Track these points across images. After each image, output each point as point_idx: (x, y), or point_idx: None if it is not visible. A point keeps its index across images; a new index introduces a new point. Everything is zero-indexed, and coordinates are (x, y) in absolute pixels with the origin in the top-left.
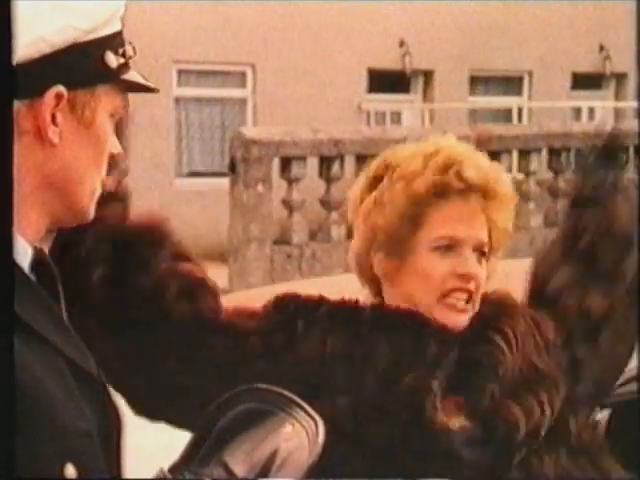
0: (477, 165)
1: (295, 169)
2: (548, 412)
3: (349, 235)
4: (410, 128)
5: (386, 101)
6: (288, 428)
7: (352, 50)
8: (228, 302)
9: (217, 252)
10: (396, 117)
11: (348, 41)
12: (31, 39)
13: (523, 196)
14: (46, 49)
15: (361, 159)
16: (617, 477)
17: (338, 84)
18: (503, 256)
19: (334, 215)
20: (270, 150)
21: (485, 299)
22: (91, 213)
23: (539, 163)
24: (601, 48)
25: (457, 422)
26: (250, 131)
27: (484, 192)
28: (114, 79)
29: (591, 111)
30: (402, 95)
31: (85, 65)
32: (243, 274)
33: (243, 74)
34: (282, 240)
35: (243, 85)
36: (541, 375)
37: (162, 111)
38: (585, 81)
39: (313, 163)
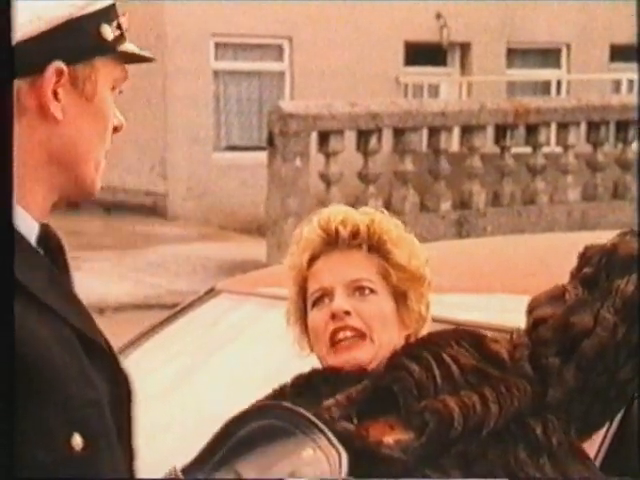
0: (349, 219)
1: (333, 143)
2: (494, 409)
3: (386, 208)
4: (448, 101)
5: (423, 74)
6: (309, 452)
7: (389, 23)
8: (267, 274)
9: (255, 226)
10: (434, 90)
11: (385, 14)
12: (28, 18)
13: (561, 170)
14: (43, 26)
15: (399, 132)
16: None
17: (375, 57)
18: (543, 230)
19: (371, 189)
20: (308, 124)
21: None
22: (97, 187)
23: (577, 136)
24: None
25: (391, 438)
26: (288, 105)
27: (366, 239)
28: (111, 51)
29: (631, 83)
30: (439, 68)
31: (82, 39)
32: (281, 248)
33: (280, 47)
34: None
35: (280, 58)
36: (486, 376)
37: (200, 85)
38: (624, 53)
39: (351, 137)
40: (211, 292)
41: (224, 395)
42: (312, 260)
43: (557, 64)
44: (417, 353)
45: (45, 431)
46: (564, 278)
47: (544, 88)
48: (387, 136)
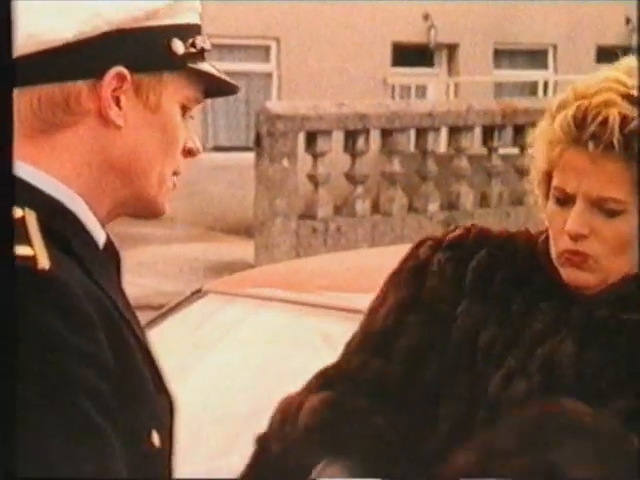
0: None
1: (320, 143)
2: None
3: (374, 209)
4: (435, 102)
5: (411, 75)
6: None
7: (377, 24)
8: (255, 275)
9: (243, 227)
10: (421, 91)
11: (372, 15)
12: (86, 15)
13: None
14: (104, 27)
15: (386, 133)
16: None
17: (363, 58)
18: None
19: (359, 189)
20: (295, 124)
21: None
22: (163, 207)
23: None
24: (627, 21)
25: None
26: (275, 105)
27: (627, 147)
28: (181, 67)
29: None
30: (427, 69)
31: (150, 50)
32: (269, 248)
33: (267, 48)
34: (307, 214)
35: (267, 59)
36: None
37: None
38: (611, 54)
39: (338, 137)
40: (198, 293)
41: (211, 395)
42: (570, 141)
43: (544, 65)
44: None
45: (135, 424)
46: None
47: (531, 89)
48: (375, 137)
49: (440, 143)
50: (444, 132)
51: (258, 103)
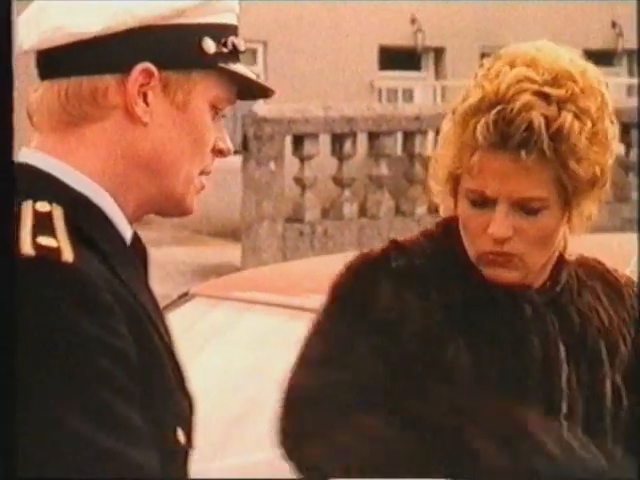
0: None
1: (307, 147)
2: None
3: (361, 212)
4: (422, 105)
5: (398, 78)
6: None
7: (364, 27)
8: (242, 278)
9: (230, 230)
10: (408, 94)
11: (360, 18)
12: (115, 10)
13: None
14: (130, 22)
15: (373, 136)
16: None
17: (350, 61)
18: None
19: (346, 192)
20: (282, 128)
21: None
22: (191, 205)
23: None
24: (613, 24)
25: None
26: (262, 109)
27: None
28: (211, 66)
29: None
30: (414, 72)
31: (179, 47)
32: (256, 252)
33: (254, 51)
34: (294, 218)
35: (254, 62)
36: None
37: None
38: (597, 58)
39: (325, 141)
40: (185, 296)
41: (200, 398)
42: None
43: None
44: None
45: (160, 421)
46: None
47: None
48: (362, 140)
49: (427, 146)
50: (431, 135)
51: (245, 106)
